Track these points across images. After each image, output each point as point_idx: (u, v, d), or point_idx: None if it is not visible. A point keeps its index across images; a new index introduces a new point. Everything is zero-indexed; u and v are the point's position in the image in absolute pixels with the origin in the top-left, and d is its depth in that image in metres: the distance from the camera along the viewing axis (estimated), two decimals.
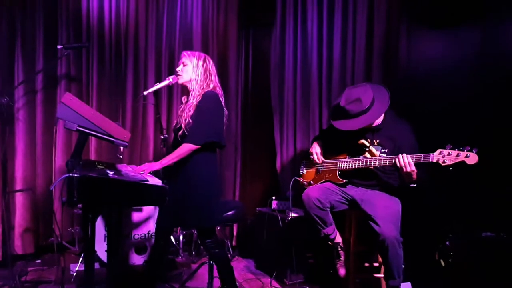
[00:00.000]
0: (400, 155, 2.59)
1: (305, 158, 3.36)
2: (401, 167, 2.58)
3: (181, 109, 2.78)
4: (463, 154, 2.41)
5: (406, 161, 2.55)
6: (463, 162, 2.41)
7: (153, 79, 4.21)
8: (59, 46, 3.63)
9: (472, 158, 2.39)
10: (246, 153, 4.70)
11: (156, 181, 2.48)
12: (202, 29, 4.42)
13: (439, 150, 2.48)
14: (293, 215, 3.50)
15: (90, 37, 3.99)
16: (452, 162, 2.43)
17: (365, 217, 2.77)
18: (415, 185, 2.69)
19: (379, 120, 2.88)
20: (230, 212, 3.18)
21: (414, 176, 2.60)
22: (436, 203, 3.31)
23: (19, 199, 3.76)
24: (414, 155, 2.56)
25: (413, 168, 2.56)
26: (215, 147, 2.75)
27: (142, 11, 4.23)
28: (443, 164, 2.46)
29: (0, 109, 3.49)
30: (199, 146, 2.61)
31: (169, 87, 4.31)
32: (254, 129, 4.73)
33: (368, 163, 2.80)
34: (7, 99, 3.43)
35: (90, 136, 2.90)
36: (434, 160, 2.48)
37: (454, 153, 2.43)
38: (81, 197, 2.17)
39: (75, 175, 2.17)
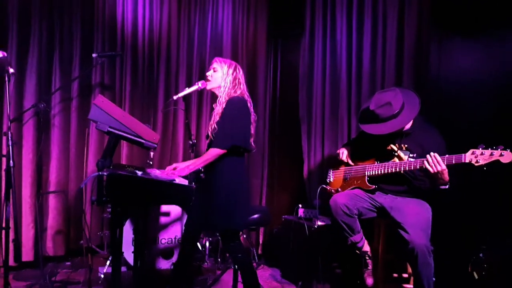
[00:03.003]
0: (428, 155, 2.52)
1: (333, 166, 3.32)
2: (431, 167, 2.50)
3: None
4: (497, 153, 2.33)
5: (435, 160, 2.48)
6: (498, 161, 2.33)
7: (183, 89, 4.27)
8: (94, 55, 3.76)
9: (507, 157, 2.31)
10: (273, 161, 4.70)
11: (184, 182, 2.51)
12: (232, 40, 4.51)
13: (471, 150, 2.41)
14: (319, 223, 3.45)
15: (124, 46, 4.12)
16: (486, 162, 2.35)
17: (394, 224, 2.70)
18: (447, 187, 2.60)
19: (408, 125, 2.83)
20: (255, 216, 3.19)
21: (446, 175, 2.51)
22: (468, 210, 3.20)
23: (52, 202, 3.87)
24: (446, 157, 2.49)
25: (444, 166, 2.48)
26: (242, 151, 2.74)
27: (175, 22, 4.36)
28: (476, 165, 2.38)
29: (37, 115, 3.64)
30: (225, 151, 2.60)
31: (199, 93, 4.39)
32: (281, 137, 4.74)
33: (397, 168, 2.75)
34: (44, 105, 3.56)
35: (121, 140, 3.01)
36: (467, 161, 2.41)
37: (487, 152, 2.36)
38: (110, 195, 2.23)
39: (105, 173, 2.24)
